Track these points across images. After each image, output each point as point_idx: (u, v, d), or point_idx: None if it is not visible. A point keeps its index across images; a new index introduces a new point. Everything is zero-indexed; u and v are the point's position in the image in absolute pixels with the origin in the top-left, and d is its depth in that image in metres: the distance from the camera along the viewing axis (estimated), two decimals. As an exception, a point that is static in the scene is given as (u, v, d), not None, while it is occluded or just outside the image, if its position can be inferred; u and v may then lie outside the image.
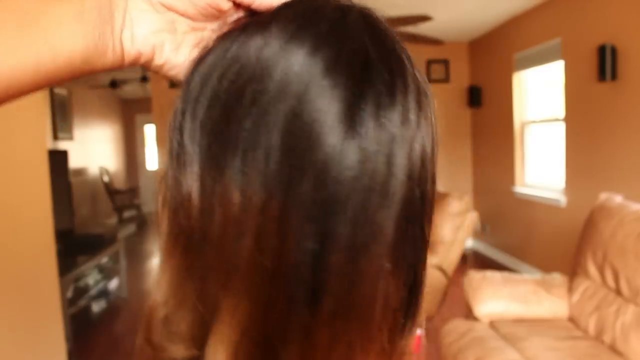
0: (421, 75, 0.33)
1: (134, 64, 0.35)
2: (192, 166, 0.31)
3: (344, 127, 0.28)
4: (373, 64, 0.30)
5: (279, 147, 0.28)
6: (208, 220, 0.30)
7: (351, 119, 0.29)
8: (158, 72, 0.36)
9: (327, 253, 0.28)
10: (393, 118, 0.30)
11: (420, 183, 0.32)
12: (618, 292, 2.23)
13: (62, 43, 0.31)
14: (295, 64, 0.29)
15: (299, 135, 0.28)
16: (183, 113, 0.32)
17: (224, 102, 0.30)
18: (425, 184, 0.32)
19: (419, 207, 0.32)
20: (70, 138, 6.38)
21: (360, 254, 0.29)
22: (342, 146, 0.28)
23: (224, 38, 0.32)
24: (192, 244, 0.30)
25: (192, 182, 0.30)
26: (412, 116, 0.31)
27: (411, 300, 0.33)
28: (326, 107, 0.28)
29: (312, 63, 0.29)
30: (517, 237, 4.85)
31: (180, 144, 0.31)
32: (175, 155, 0.32)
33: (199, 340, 0.30)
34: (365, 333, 0.30)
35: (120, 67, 0.35)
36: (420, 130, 0.32)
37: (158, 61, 0.36)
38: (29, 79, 0.32)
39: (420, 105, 0.32)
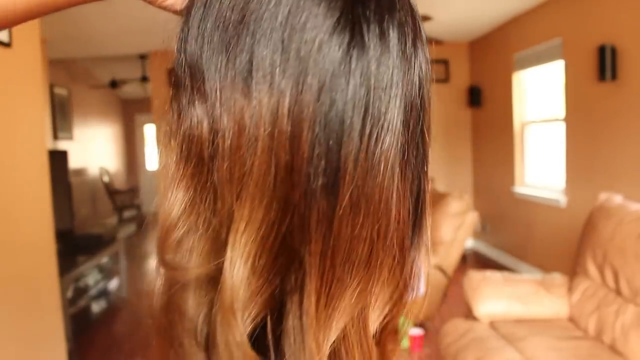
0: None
1: None
2: (199, 84, 0.32)
3: (347, 33, 0.30)
4: None
5: (285, 47, 0.29)
6: (220, 133, 0.30)
7: (352, 25, 0.30)
8: (153, 3, 0.38)
9: (341, 143, 0.29)
10: (394, 25, 0.31)
11: (421, 88, 0.33)
12: (618, 292, 2.23)
13: None
14: None
15: (300, 40, 0.29)
16: (185, 39, 0.34)
17: (227, 19, 0.31)
18: (424, 90, 0.34)
19: (420, 110, 0.33)
20: (70, 138, 6.38)
21: (373, 143, 0.30)
22: (347, 48, 0.29)
23: None
24: (203, 162, 0.31)
25: (201, 100, 0.31)
26: (410, 26, 0.33)
27: (417, 212, 0.34)
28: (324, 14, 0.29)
29: None
30: (517, 237, 4.85)
31: (187, 66, 0.33)
32: (182, 77, 0.33)
33: (215, 257, 0.31)
34: (382, 231, 0.31)
35: None
36: (418, 54, 0.33)
37: None
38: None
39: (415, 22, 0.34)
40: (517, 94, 4.73)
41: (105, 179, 7.79)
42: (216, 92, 0.31)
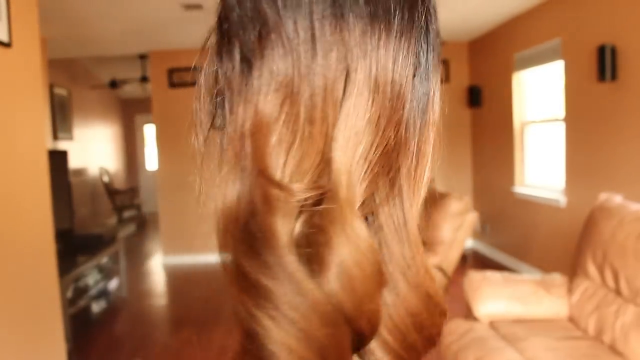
0: None
1: None
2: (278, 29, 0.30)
3: None
4: None
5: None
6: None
7: None
8: None
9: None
10: None
11: None
12: (618, 292, 2.23)
13: None
14: None
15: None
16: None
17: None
18: None
19: None
20: (70, 138, 6.38)
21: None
22: None
23: None
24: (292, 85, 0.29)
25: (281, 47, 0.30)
26: None
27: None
28: None
29: None
30: (517, 237, 4.85)
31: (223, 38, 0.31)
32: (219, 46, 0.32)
33: (314, 173, 0.29)
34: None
35: None
36: None
37: None
38: None
39: None
40: (517, 94, 4.73)
41: (105, 179, 7.79)
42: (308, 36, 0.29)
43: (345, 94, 0.29)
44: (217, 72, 0.32)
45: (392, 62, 0.31)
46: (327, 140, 0.29)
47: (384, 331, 0.31)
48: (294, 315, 0.26)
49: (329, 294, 0.27)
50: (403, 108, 0.32)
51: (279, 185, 0.28)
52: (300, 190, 0.28)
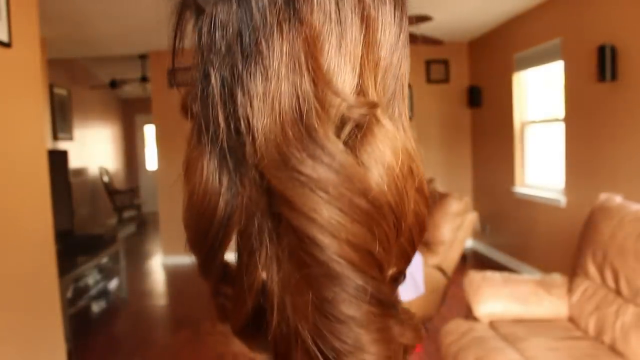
0: None
1: None
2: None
3: None
4: None
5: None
6: None
7: None
8: None
9: None
10: None
11: None
12: (618, 292, 2.23)
13: None
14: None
15: None
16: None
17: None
18: None
19: None
20: (70, 138, 6.38)
21: None
22: None
23: None
24: None
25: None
26: None
27: None
28: None
29: None
30: (517, 237, 4.85)
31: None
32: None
33: None
34: None
35: None
36: None
37: None
38: None
39: None
40: (517, 94, 4.73)
41: (105, 179, 7.79)
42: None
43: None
44: None
45: None
46: (363, 62, 0.29)
47: (401, 239, 0.31)
48: (342, 203, 0.26)
49: (376, 186, 0.27)
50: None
51: (336, 92, 0.28)
52: (352, 99, 0.28)
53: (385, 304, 0.28)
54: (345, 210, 0.26)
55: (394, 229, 0.29)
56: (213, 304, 0.35)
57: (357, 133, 0.28)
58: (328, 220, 0.26)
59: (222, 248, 0.32)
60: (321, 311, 0.27)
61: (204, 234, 0.32)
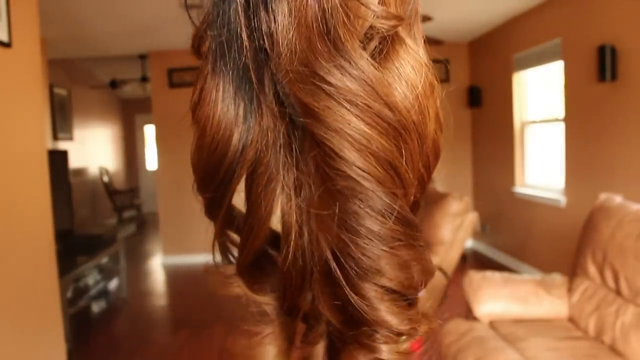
0: None
1: None
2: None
3: None
4: None
5: None
6: None
7: None
8: None
9: None
10: None
11: None
12: (618, 292, 2.23)
13: None
14: None
15: None
16: None
17: None
18: None
19: None
20: (70, 138, 6.38)
21: None
22: None
23: None
24: None
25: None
26: None
27: None
28: None
29: None
30: (517, 237, 4.85)
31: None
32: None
33: None
34: None
35: None
36: None
37: None
38: None
39: None
40: (517, 94, 4.73)
41: (105, 179, 7.79)
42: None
43: None
44: None
45: None
46: None
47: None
48: (369, 116, 0.26)
49: (401, 102, 0.27)
50: None
51: (364, 2, 0.27)
52: (380, 9, 0.27)
53: (409, 225, 0.27)
54: (372, 123, 0.26)
55: (418, 148, 0.28)
56: (218, 245, 0.35)
57: (382, 48, 0.28)
58: (355, 132, 0.26)
59: (233, 185, 0.31)
60: (345, 225, 0.26)
61: (214, 170, 0.31)
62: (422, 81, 0.28)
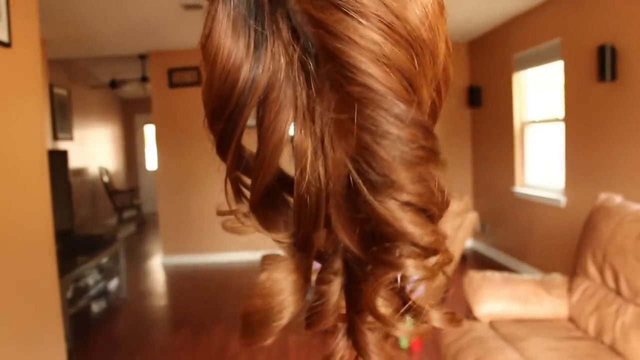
0: None
1: None
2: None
3: None
4: None
5: None
6: None
7: None
8: None
9: None
10: None
11: None
12: (618, 292, 2.23)
13: None
14: None
15: None
16: None
17: None
18: None
19: None
20: (70, 138, 6.38)
21: None
22: None
23: None
24: None
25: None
26: None
27: None
28: None
29: None
30: (517, 237, 4.85)
31: None
32: None
33: None
34: None
35: None
36: None
37: None
38: None
39: None
40: (517, 94, 4.73)
41: (105, 179, 7.79)
42: None
43: None
44: None
45: None
46: None
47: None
48: (382, 27, 0.26)
49: (413, 17, 0.27)
50: None
51: None
52: None
53: (427, 130, 0.27)
54: (385, 34, 0.26)
55: (430, 65, 0.28)
56: (230, 184, 0.34)
57: None
58: (368, 43, 0.26)
59: (245, 114, 0.31)
60: (364, 128, 0.26)
61: (226, 101, 0.31)
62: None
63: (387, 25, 0.26)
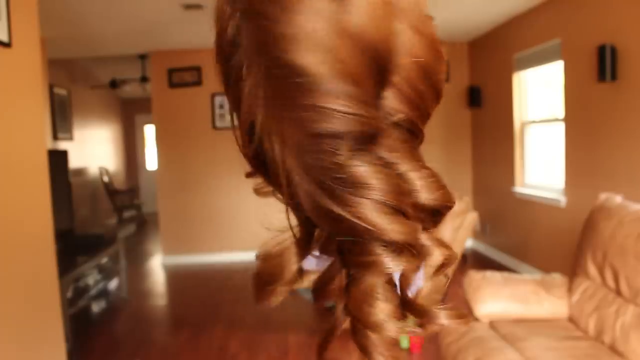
0: None
1: None
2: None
3: None
4: None
5: None
6: None
7: None
8: None
9: None
10: None
11: None
12: (618, 292, 2.23)
13: None
14: None
15: None
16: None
17: None
18: None
19: None
20: (70, 138, 6.38)
21: None
22: None
23: None
24: None
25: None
26: None
27: None
28: None
29: None
30: (517, 237, 4.85)
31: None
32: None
33: None
34: None
35: None
36: None
37: None
38: None
39: None
40: (517, 94, 4.73)
41: (105, 179, 7.79)
42: None
43: None
44: None
45: None
46: None
47: (396, 78, 0.31)
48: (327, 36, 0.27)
49: (354, 16, 0.27)
50: None
51: None
52: None
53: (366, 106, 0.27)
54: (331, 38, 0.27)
55: (368, 60, 0.28)
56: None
57: None
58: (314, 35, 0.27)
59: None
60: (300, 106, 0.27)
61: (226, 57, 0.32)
62: None
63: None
